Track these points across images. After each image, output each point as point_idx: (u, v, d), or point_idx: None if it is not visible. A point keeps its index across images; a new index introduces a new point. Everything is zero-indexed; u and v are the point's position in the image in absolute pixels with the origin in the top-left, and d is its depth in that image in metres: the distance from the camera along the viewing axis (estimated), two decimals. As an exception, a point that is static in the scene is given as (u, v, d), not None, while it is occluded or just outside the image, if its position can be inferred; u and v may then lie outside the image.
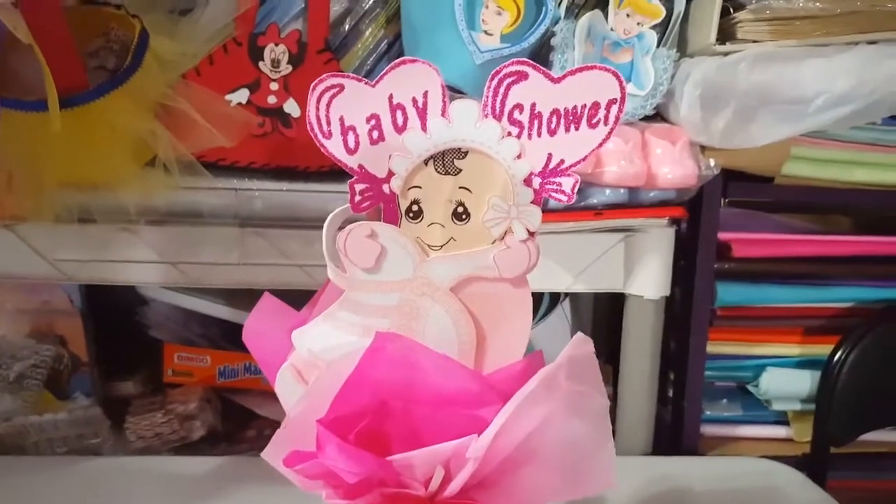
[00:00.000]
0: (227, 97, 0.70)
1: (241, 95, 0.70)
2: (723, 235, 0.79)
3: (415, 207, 0.38)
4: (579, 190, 0.68)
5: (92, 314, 0.81)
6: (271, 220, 0.70)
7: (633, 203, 0.69)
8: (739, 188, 0.77)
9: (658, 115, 0.72)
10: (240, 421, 0.87)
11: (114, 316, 0.86)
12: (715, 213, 0.77)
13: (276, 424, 0.89)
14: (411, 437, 0.38)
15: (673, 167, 0.66)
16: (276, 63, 0.71)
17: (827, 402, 0.80)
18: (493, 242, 0.39)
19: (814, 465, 0.81)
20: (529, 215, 0.38)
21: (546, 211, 0.69)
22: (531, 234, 0.39)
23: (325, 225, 0.39)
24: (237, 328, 0.90)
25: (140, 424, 0.80)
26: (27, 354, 0.78)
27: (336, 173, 0.69)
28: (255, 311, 0.43)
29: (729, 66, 0.66)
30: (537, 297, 0.87)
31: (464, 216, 0.39)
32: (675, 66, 0.70)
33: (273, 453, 0.38)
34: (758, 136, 0.68)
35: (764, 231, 0.82)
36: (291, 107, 0.71)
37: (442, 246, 0.39)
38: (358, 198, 0.38)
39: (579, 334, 0.37)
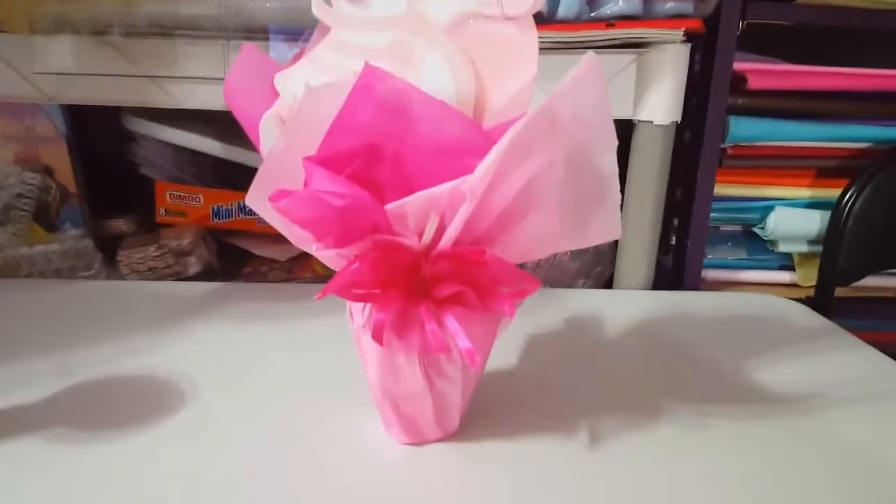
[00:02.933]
0: None
1: None
2: (738, 66, 0.75)
3: (408, -71, 0.34)
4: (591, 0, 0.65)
5: (79, 147, 0.78)
6: (258, 32, 0.66)
7: (649, 15, 0.64)
8: (759, 8, 0.72)
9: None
10: (235, 262, 0.86)
11: (103, 153, 0.83)
12: (732, 37, 0.72)
13: (271, 262, 0.87)
14: (404, 187, 0.35)
15: (692, -32, 0.61)
16: None
17: (835, 241, 0.78)
18: (495, -25, 0.35)
19: (818, 307, 0.80)
20: (537, -60, 0.34)
21: (555, 21, 0.65)
22: (538, -34, 0.35)
23: (309, -48, 0.35)
24: (230, 167, 0.87)
25: (133, 258, 0.78)
26: (13, 183, 0.75)
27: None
28: (236, 64, 0.40)
29: None
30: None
31: (463, -60, 0.35)
32: None
33: (255, 196, 0.35)
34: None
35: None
36: None
37: (439, -22, 0.35)
38: (344, -85, 0.34)
39: (589, 54, 0.34)
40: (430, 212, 0.35)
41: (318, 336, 0.58)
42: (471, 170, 0.35)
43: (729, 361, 0.57)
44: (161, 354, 0.55)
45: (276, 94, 0.37)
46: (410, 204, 0.35)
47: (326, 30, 0.36)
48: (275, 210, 0.33)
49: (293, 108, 0.36)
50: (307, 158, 0.33)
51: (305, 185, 0.34)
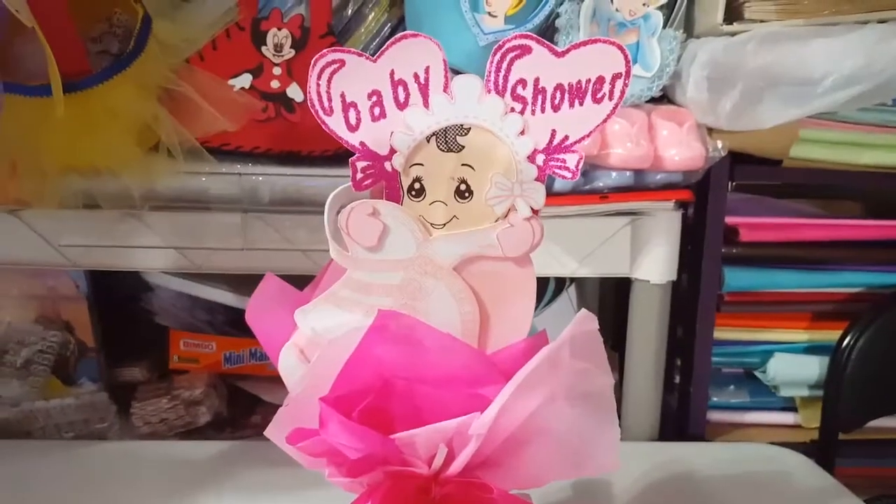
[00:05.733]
0: (231, 82, 0.70)
1: (245, 80, 0.70)
2: (730, 220, 0.79)
3: (417, 185, 0.38)
4: (584, 173, 0.69)
5: (98, 300, 0.81)
6: (275, 206, 0.70)
7: (640, 186, 0.68)
8: (747, 171, 0.76)
9: (664, 98, 0.72)
10: (245, 407, 0.87)
11: (120, 302, 0.87)
12: (722, 197, 0.76)
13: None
14: (414, 417, 0.37)
15: (680, 149, 0.65)
16: (278, 48, 0.70)
17: (835, 387, 0.80)
18: (496, 220, 0.39)
19: (822, 451, 0.81)
20: (533, 193, 0.38)
21: (551, 194, 0.69)
22: (535, 211, 0.38)
23: (327, 204, 0.38)
24: (242, 314, 0.89)
25: (146, 410, 0.80)
26: (34, 340, 0.78)
27: (340, 157, 0.69)
28: (258, 291, 0.43)
29: (736, 47, 0.65)
30: (543, 283, 0.87)
31: (467, 194, 0.38)
32: (682, 46, 0.69)
33: (276, 431, 0.38)
34: (765, 117, 0.68)
35: (772, 216, 0.81)
36: (295, 91, 0.70)
37: (445, 224, 0.39)
38: (360, 176, 0.37)
39: (583, 311, 0.36)
40: (439, 442, 0.37)
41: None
42: (477, 397, 0.37)
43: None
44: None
45: (295, 324, 0.40)
46: (419, 436, 0.37)
47: (342, 270, 0.39)
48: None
49: (311, 341, 0.39)
50: (323, 399, 0.36)
51: (321, 424, 0.36)
